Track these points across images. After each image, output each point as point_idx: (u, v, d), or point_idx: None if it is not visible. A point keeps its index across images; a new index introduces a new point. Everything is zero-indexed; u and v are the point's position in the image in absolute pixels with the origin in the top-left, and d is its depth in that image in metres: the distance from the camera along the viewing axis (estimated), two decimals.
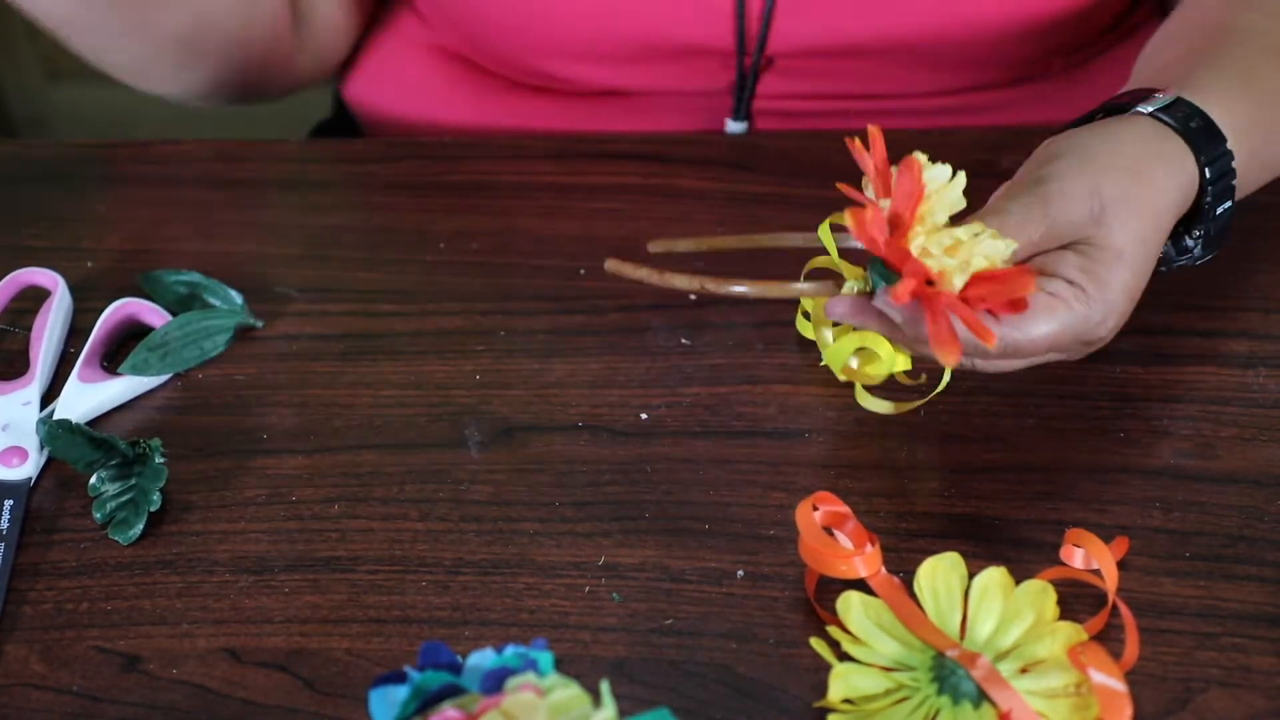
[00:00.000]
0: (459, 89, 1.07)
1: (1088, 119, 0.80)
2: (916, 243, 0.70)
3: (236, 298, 0.89)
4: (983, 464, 0.81)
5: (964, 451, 0.81)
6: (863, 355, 0.78)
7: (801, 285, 0.74)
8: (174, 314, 0.88)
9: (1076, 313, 0.72)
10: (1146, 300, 0.87)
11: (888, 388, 0.81)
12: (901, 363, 0.78)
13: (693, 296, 0.87)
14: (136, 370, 0.85)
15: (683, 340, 0.87)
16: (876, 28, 0.98)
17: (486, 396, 0.85)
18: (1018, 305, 0.70)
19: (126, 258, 0.93)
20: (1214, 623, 0.74)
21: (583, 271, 0.90)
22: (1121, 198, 0.73)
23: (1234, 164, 0.78)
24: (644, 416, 0.83)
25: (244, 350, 0.88)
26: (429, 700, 0.66)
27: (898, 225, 0.70)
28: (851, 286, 0.73)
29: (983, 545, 0.77)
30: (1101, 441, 0.81)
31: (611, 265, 0.75)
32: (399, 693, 0.67)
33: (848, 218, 0.69)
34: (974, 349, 0.71)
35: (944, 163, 0.71)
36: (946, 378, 0.80)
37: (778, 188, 0.95)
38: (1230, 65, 0.82)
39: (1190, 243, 0.79)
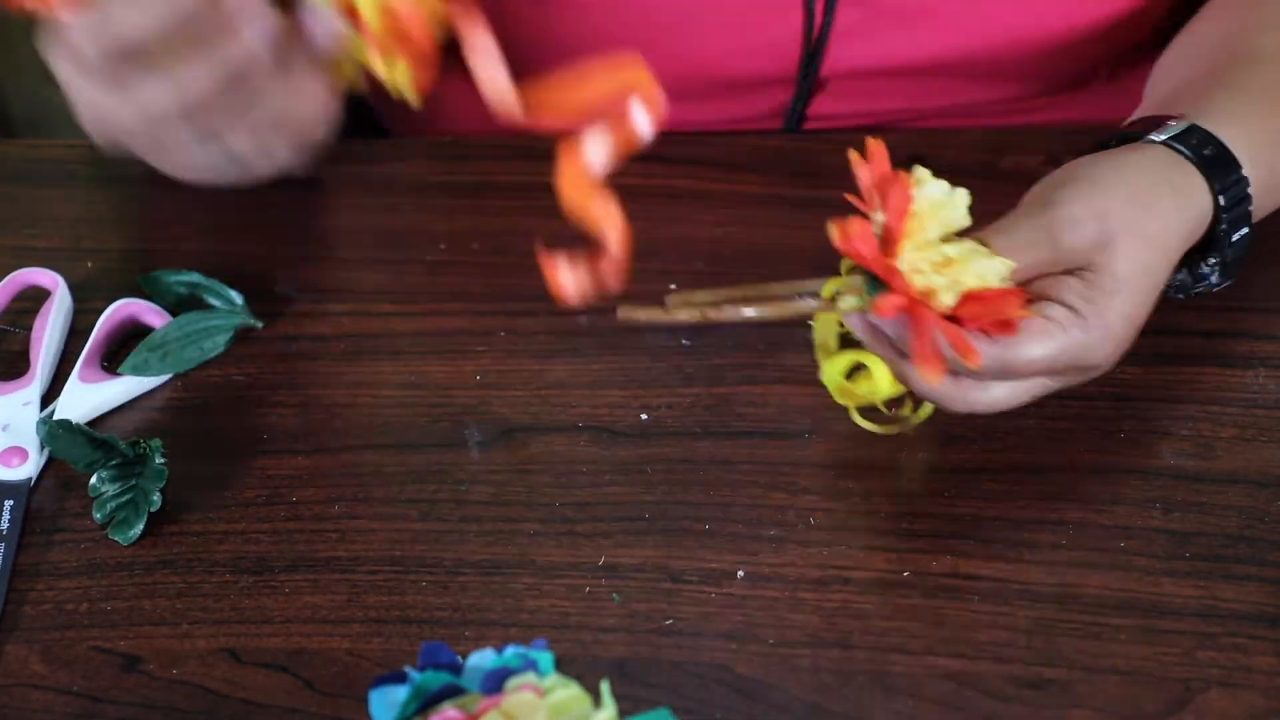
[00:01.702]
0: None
1: (1103, 145, 0.80)
2: (906, 258, 0.70)
3: (237, 298, 0.89)
4: (983, 464, 0.81)
5: (964, 451, 0.81)
6: (858, 375, 0.79)
7: (803, 303, 0.75)
8: (174, 314, 0.88)
9: (1073, 337, 0.72)
10: None
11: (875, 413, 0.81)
12: (895, 386, 0.78)
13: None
14: (137, 370, 0.85)
15: (683, 341, 0.87)
16: (928, 47, 0.97)
17: (487, 397, 0.85)
18: (1007, 327, 0.70)
19: (126, 258, 0.93)
20: (1214, 623, 0.74)
21: None
22: (1128, 227, 0.73)
23: (1249, 190, 0.77)
24: (644, 417, 0.83)
25: (244, 350, 0.88)
26: (429, 700, 0.66)
27: (888, 239, 0.70)
28: (849, 301, 0.73)
29: (982, 545, 0.77)
30: (1101, 441, 0.81)
31: (623, 313, 0.76)
32: (399, 693, 0.67)
33: (832, 231, 0.69)
34: (963, 367, 0.71)
35: (946, 168, 0.71)
36: (929, 407, 0.80)
37: (778, 189, 0.95)
38: (1248, 87, 0.82)
39: (1206, 270, 0.79)
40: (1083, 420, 0.82)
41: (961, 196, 0.71)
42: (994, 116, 1.03)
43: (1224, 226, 0.77)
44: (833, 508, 0.79)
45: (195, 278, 0.90)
